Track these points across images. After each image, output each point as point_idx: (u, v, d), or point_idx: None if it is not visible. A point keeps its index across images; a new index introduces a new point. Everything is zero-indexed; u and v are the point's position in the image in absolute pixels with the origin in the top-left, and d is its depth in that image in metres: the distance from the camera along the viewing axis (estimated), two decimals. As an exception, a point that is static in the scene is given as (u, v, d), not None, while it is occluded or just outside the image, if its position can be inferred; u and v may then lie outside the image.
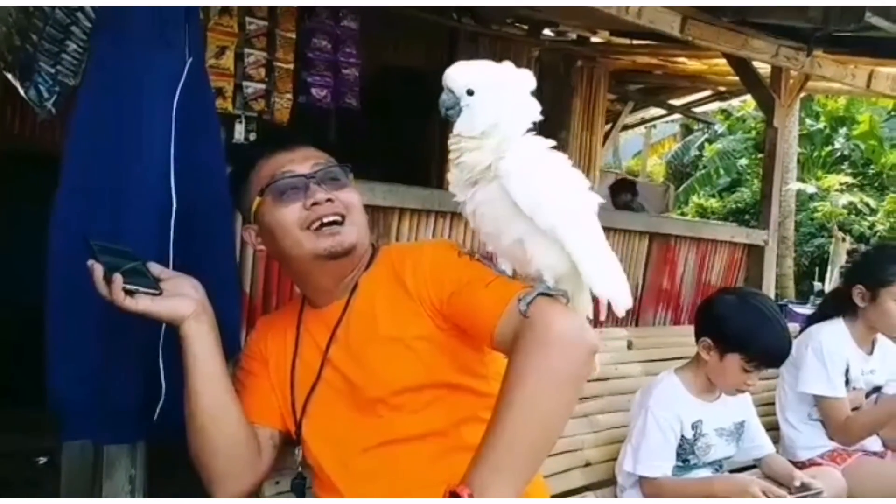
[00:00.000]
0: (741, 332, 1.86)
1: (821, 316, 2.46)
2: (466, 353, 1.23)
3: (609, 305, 1.19)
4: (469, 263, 1.21)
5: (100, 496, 1.48)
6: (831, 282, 9.83)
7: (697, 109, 6.97)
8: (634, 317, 3.20)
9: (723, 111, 13.43)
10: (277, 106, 3.27)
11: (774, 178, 3.72)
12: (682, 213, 13.76)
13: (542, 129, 1.19)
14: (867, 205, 13.06)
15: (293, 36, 3.31)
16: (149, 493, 1.54)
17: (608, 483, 2.03)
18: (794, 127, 10.90)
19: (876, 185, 13.90)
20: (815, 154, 14.14)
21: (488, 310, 1.13)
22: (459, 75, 1.14)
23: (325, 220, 1.24)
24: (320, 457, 1.28)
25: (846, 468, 2.22)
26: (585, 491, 2.00)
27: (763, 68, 3.70)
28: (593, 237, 1.18)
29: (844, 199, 12.97)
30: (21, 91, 1.82)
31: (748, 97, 6.74)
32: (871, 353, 2.39)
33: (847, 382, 2.32)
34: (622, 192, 6.47)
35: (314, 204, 1.24)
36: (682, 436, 1.90)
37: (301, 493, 1.34)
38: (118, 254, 1.20)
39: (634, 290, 3.19)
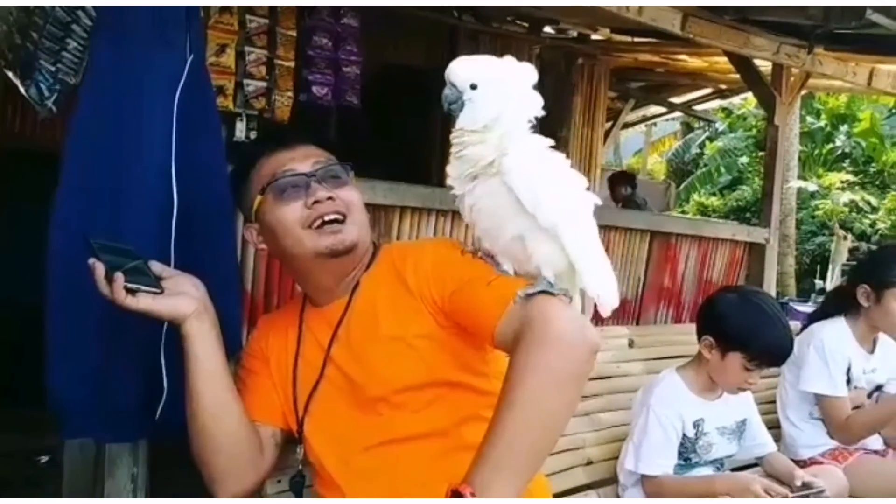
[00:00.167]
0: (743, 331, 1.86)
1: (822, 314, 2.46)
2: (468, 352, 1.23)
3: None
4: (471, 262, 1.21)
5: (102, 494, 1.48)
6: (832, 280, 9.83)
7: (698, 107, 6.97)
8: (636, 315, 3.20)
9: (723, 109, 13.42)
10: (278, 104, 3.27)
11: (775, 176, 3.72)
12: (683, 212, 13.76)
13: (542, 126, 1.20)
14: (868, 203, 13.05)
15: (294, 34, 3.31)
16: (151, 492, 1.54)
17: (610, 481, 2.03)
18: (794, 125, 10.89)
19: (877, 182, 13.89)
20: (816, 152, 14.13)
21: (489, 308, 1.13)
22: (462, 70, 1.15)
23: (327, 218, 1.24)
24: (322, 455, 1.28)
25: (847, 467, 2.22)
26: (587, 489, 2.00)
27: (764, 66, 3.69)
28: (590, 236, 1.19)
29: (845, 196, 12.96)
30: (22, 89, 1.82)
31: (749, 95, 6.74)
32: (872, 351, 2.39)
33: (848, 381, 2.31)
34: (621, 185, 6.41)
35: (315, 202, 1.24)
36: (684, 434, 1.90)
37: (299, 492, 1.34)
38: (119, 252, 1.20)
39: (636, 289, 3.19)
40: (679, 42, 3.81)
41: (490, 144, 1.14)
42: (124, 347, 1.35)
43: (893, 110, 14.04)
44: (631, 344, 2.39)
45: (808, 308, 5.58)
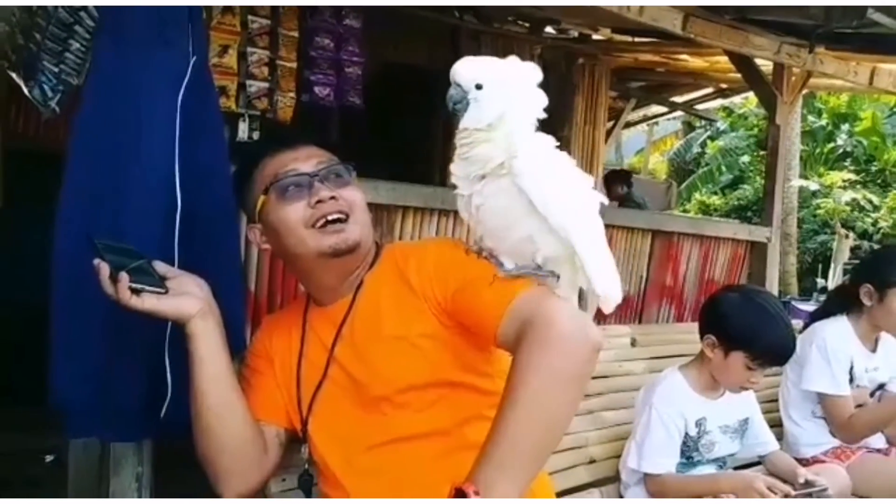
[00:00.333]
0: (745, 330, 1.86)
1: (825, 313, 2.46)
2: (471, 351, 1.23)
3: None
4: (475, 261, 1.21)
5: (107, 493, 1.48)
6: (834, 279, 9.82)
7: (699, 107, 6.96)
8: (638, 314, 3.21)
9: (725, 108, 13.41)
10: (280, 104, 3.27)
11: (777, 175, 3.71)
12: (685, 211, 13.75)
13: (544, 126, 1.20)
14: (870, 201, 13.04)
15: (296, 34, 3.32)
16: (155, 491, 1.55)
17: (612, 480, 2.03)
18: (796, 124, 10.89)
19: (879, 181, 13.88)
20: (818, 151, 14.12)
21: (492, 308, 1.14)
22: (467, 70, 1.16)
23: (330, 217, 1.25)
24: (326, 454, 1.28)
25: (850, 465, 2.22)
26: (590, 487, 2.00)
27: (765, 65, 3.69)
28: (598, 236, 1.20)
29: (847, 195, 12.94)
30: (25, 90, 1.82)
31: (750, 94, 6.74)
32: (874, 350, 2.39)
33: (851, 380, 2.31)
34: (617, 185, 6.35)
35: (318, 202, 1.25)
36: (686, 433, 1.91)
37: (308, 490, 1.35)
38: (123, 252, 1.20)
39: (638, 287, 3.19)
40: (680, 42, 3.81)
41: (497, 144, 1.15)
42: (128, 347, 1.35)
43: (895, 109, 14.02)
44: (633, 343, 2.40)
45: (809, 307, 5.59)
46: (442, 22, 4.37)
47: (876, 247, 10.92)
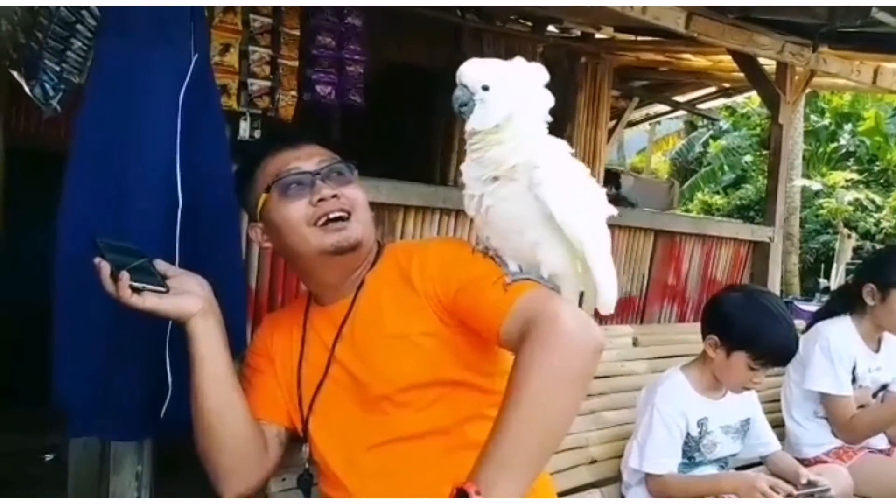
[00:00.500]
0: (748, 331, 1.85)
1: (828, 313, 2.45)
2: (472, 351, 1.23)
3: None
4: (480, 260, 1.21)
5: (107, 493, 1.48)
6: (836, 279, 9.82)
7: (702, 106, 6.95)
8: (640, 314, 3.20)
9: (727, 107, 13.40)
10: (282, 103, 3.28)
11: (780, 175, 3.71)
12: (687, 210, 13.74)
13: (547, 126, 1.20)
14: (873, 201, 13.02)
15: (297, 33, 3.32)
16: (155, 490, 1.55)
17: (613, 480, 2.03)
18: (799, 123, 10.88)
19: (881, 181, 13.86)
20: (821, 150, 14.10)
21: (495, 307, 1.13)
22: (474, 71, 1.16)
23: (332, 215, 1.25)
24: (327, 454, 1.28)
25: (852, 466, 2.22)
26: (591, 488, 1.99)
27: (768, 64, 3.68)
28: (607, 247, 1.21)
29: (850, 195, 12.92)
30: (26, 89, 1.82)
31: (753, 93, 6.73)
32: (877, 350, 2.38)
33: (853, 380, 2.31)
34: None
35: (320, 200, 1.25)
36: (688, 433, 1.90)
37: (307, 490, 1.34)
38: (124, 251, 1.20)
39: (640, 287, 3.19)
40: (683, 41, 3.80)
41: (507, 146, 1.15)
42: (129, 346, 1.36)
43: (898, 109, 14.00)
44: (635, 343, 2.39)
45: (812, 307, 5.58)
46: (444, 21, 4.37)
47: (879, 247, 10.91)
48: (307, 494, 1.35)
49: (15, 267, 2.83)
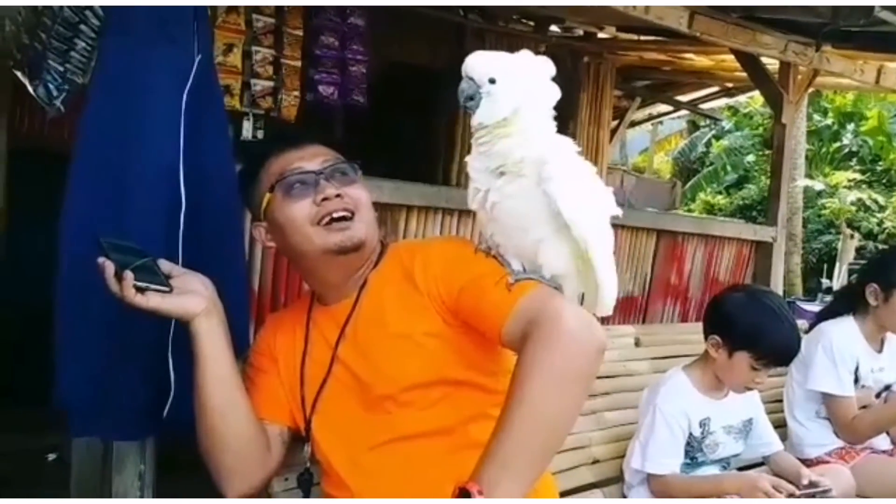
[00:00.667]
0: (750, 331, 1.85)
1: (831, 313, 2.45)
2: (475, 350, 1.23)
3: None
4: (482, 260, 1.21)
5: (109, 492, 1.49)
6: (839, 279, 9.81)
7: (704, 106, 6.95)
8: (642, 313, 3.20)
9: (730, 107, 13.39)
10: (285, 103, 3.28)
11: (782, 175, 3.71)
12: (689, 210, 13.73)
13: (549, 125, 1.20)
14: (875, 201, 13.00)
15: (300, 33, 3.32)
16: (158, 489, 1.55)
17: (615, 480, 2.03)
18: (801, 123, 10.86)
19: (884, 181, 13.83)
20: (823, 150, 14.07)
21: (497, 306, 1.13)
22: (480, 64, 1.15)
23: (335, 215, 1.25)
24: (329, 453, 1.28)
25: (855, 466, 2.21)
26: (593, 488, 1.99)
27: (771, 64, 3.68)
28: (610, 248, 1.21)
29: (853, 195, 12.91)
30: (30, 89, 1.82)
31: (755, 93, 6.72)
32: (880, 350, 2.38)
33: (856, 381, 2.31)
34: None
35: (324, 199, 1.25)
36: (690, 433, 1.90)
37: (307, 489, 1.34)
38: (128, 251, 1.20)
39: (642, 287, 3.19)
40: (685, 40, 3.80)
41: (514, 139, 1.15)
42: (132, 346, 1.36)
43: (901, 109, 13.98)
44: (637, 343, 2.39)
45: (814, 307, 5.57)
46: (446, 20, 4.37)
47: (882, 247, 10.89)
48: (307, 493, 1.35)
49: (17, 267, 2.84)
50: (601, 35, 5.09)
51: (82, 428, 1.43)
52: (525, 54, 1.17)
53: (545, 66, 1.17)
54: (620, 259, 2.91)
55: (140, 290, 1.16)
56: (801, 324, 2.37)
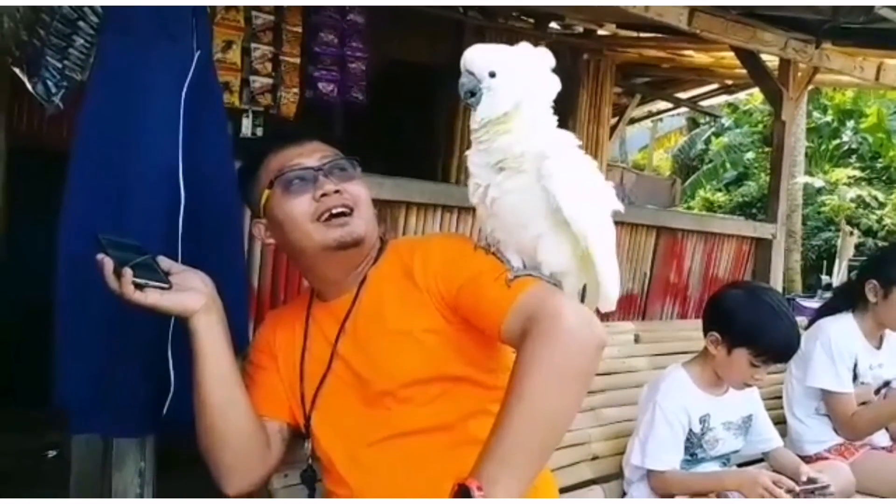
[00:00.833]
0: (749, 328, 1.85)
1: (829, 309, 2.45)
2: (474, 346, 1.23)
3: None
4: (482, 257, 1.21)
5: (109, 489, 1.49)
6: (839, 276, 9.81)
7: (704, 103, 6.94)
8: (641, 310, 3.20)
9: (729, 104, 13.39)
10: (284, 100, 3.28)
11: (782, 172, 3.71)
12: (689, 207, 13.73)
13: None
14: (875, 198, 13.01)
15: (299, 30, 3.32)
16: (158, 486, 1.55)
17: (615, 477, 2.03)
18: (801, 120, 10.85)
19: (884, 178, 13.84)
20: (823, 147, 14.08)
21: (497, 303, 1.13)
22: (481, 57, 1.14)
23: (334, 211, 1.25)
24: (329, 450, 1.28)
25: (854, 462, 2.22)
26: (592, 484, 1.99)
27: (771, 61, 3.68)
28: (612, 243, 1.21)
29: (852, 192, 12.91)
30: (29, 86, 1.82)
31: (755, 90, 6.72)
32: (879, 347, 2.38)
33: (855, 377, 2.31)
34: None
35: (323, 195, 1.25)
36: (690, 429, 1.90)
37: (311, 485, 1.34)
38: (127, 248, 1.20)
39: (642, 284, 3.19)
40: (685, 37, 3.80)
41: (516, 134, 1.14)
42: (132, 343, 1.36)
43: (901, 106, 13.98)
44: (637, 339, 2.39)
45: (813, 304, 5.58)
46: (446, 18, 4.37)
47: (881, 244, 10.90)
48: (311, 489, 1.35)
49: (17, 266, 2.84)
50: (601, 32, 5.09)
51: (82, 425, 1.43)
52: (524, 46, 1.16)
53: (545, 58, 1.16)
54: (620, 256, 2.90)
55: (139, 286, 1.16)
56: (801, 320, 2.37)
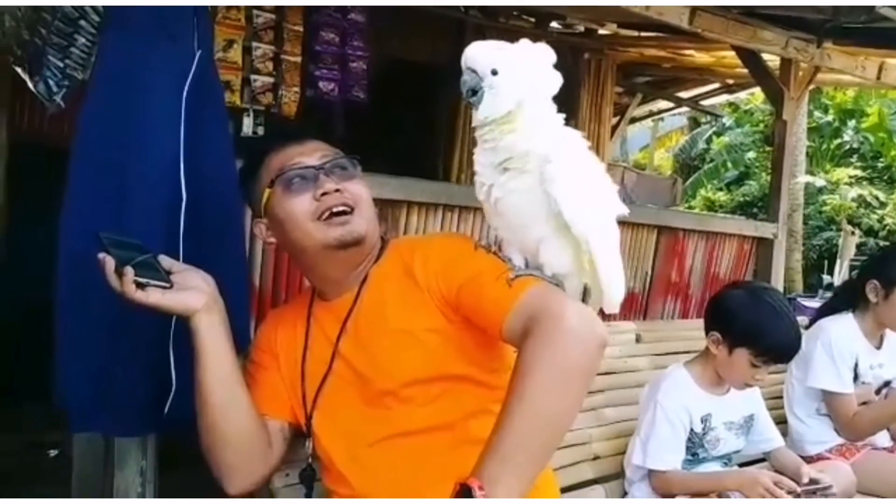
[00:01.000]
0: (750, 328, 1.85)
1: (830, 309, 2.45)
2: (476, 346, 1.23)
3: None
4: (483, 256, 1.21)
5: (111, 488, 1.49)
6: (840, 275, 9.79)
7: (705, 102, 6.95)
8: (643, 310, 3.20)
9: (730, 104, 13.37)
10: (285, 99, 3.28)
11: (783, 171, 3.71)
12: (690, 207, 13.72)
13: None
14: (876, 198, 13.00)
15: (301, 29, 3.32)
16: (159, 485, 1.55)
17: (616, 476, 2.03)
18: (802, 120, 10.84)
19: (885, 178, 13.83)
20: (824, 147, 14.07)
21: (498, 302, 1.13)
22: (482, 55, 1.13)
23: (335, 209, 1.25)
24: (330, 449, 1.28)
25: (855, 463, 2.21)
26: (594, 484, 1.99)
27: (772, 60, 3.68)
28: (615, 246, 1.21)
29: (853, 192, 12.90)
30: (30, 85, 1.82)
31: (756, 90, 6.71)
32: (879, 347, 2.38)
33: (856, 377, 2.30)
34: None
35: (324, 194, 1.25)
36: (692, 429, 1.90)
37: (310, 484, 1.34)
38: (129, 247, 1.20)
39: (643, 284, 3.19)
40: (686, 37, 3.80)
41: (521, 132, 1.14)
42: (133, 342, 1.36)
43: (902, 105, 13.97)
44: (638, 339, 2.39)
45: (815, 304, 5.57)
46: (446, 17, 4.37)
47: (882, 243, 10.89)
48: (309, 489, 1.35)
49: (19, 265, 2.84)
50: (602, 31, 5.09)
51: (82, 424, 1.43)
52: (525, 43, 1.15)
53: (546, 54, 1.15)
54: (622, 256, 2.91)
55: (140, 285, 1.16)
56: (802, 320, 2.36)
